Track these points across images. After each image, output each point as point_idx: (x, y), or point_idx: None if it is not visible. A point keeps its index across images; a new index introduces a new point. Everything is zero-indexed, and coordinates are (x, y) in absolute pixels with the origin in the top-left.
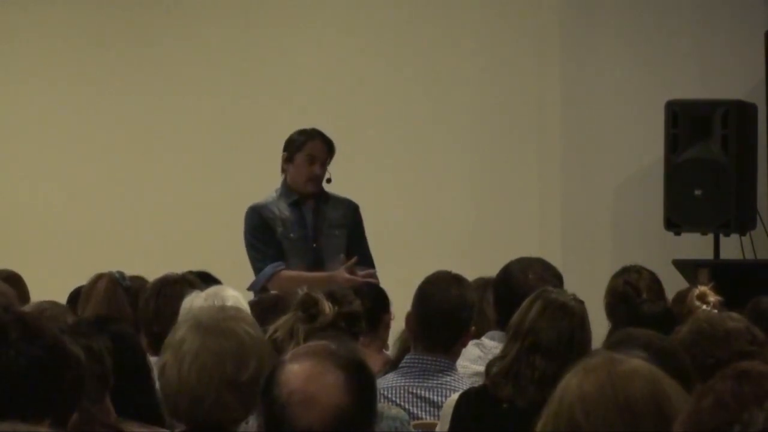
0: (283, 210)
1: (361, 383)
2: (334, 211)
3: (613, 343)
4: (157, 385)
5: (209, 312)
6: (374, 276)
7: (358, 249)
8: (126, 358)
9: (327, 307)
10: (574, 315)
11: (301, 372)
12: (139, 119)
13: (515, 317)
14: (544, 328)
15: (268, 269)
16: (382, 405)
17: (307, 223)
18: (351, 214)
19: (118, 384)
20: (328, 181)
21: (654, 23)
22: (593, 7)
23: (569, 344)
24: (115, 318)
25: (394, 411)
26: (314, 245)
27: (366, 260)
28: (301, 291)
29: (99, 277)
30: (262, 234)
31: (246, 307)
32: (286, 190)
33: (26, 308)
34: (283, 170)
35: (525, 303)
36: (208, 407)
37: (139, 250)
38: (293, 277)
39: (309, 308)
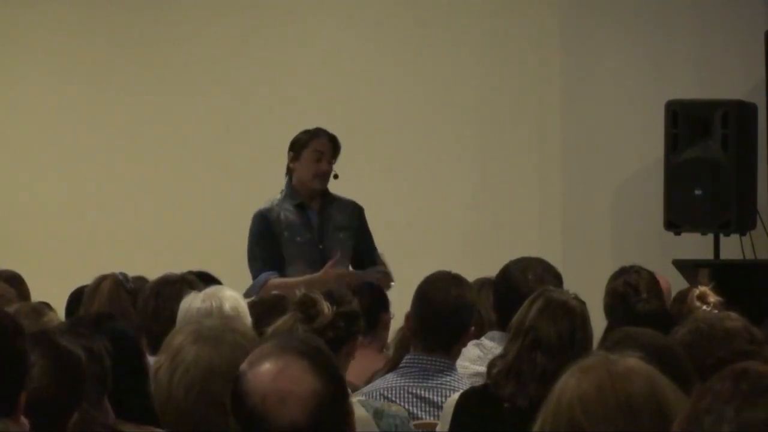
0: (289, 213)
1: (325, 363)
2: (339, 213)
3: (611, 342)
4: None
5: (212, 323)
6: (388, 275)
7: (366, 251)
8: (124, 357)
9: (326, 307)
10: (575, 314)
11: (267, 373)
12: (140, 119)
13: (516, 316)
14: (545, 326)
15: (262, 277)
16: (382, 403)
17: (312, 226)
18: (356, 216)
19: (115, 384)
20: (335, 177)
21: (654, 23)
22: (593, 7)
23: (570, 342)
24: (113, 316)
25: (394, 409)
26: (320, 248)
27: (371, 256)
28: (300, 291)
29: (103, 279)
30: (264, 240)
31: (245, 308)
32: (291, 191)
33: None
34: (290, 170)
35: (526, 302)
36: (194, 422)
37: (140, 251)
38: (279, 284)
39: (308, 309)
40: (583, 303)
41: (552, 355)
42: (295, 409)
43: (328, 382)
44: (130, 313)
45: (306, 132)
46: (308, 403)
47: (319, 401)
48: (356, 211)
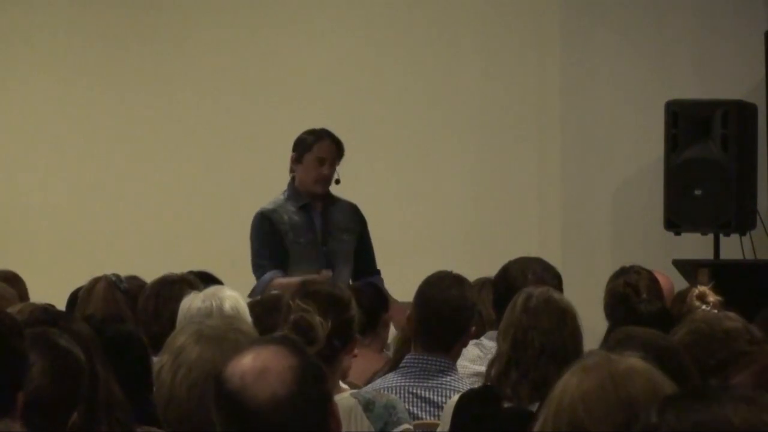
0: (292, 214)
1: (297, 347)
2: (341, 214)
3: (613, 342)
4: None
5: (213, 323)
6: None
7: (366, 255)
8: (127, 358)
9: (320, 329)
10: (560, 303)
11: (243, 359)
12: (140, 120)
13: (504, 318)
14: (534, 316)
15: (267, 276)
16: (373, 393)
17: (315, 228)
18: (358, 219)
19: (121, 385)
20: (337, 182)
21: (654, 23)
22: (593, 7)
23: (563, 322)
24: (119, 317)
25: (385, 399)
26: (324, 249)
27: (372, 265)
28: (293, 304)
29: (96, 281)
30: (269, 240)
31: (244, 308)
32: (294, 192)
33: None
34: (292, 171)
35: (510, 304)
36: (195, 422)
37: (141, 251)
38: (283, 284)
39: (304, 333)
40: (562, 294)
41: (547, 334)
42: (275, 381)
43: (303, 360)
44: (126, 313)
45: (310, 133)
46: (286, 376)
47: (296, 374)
48: (358, 216)
